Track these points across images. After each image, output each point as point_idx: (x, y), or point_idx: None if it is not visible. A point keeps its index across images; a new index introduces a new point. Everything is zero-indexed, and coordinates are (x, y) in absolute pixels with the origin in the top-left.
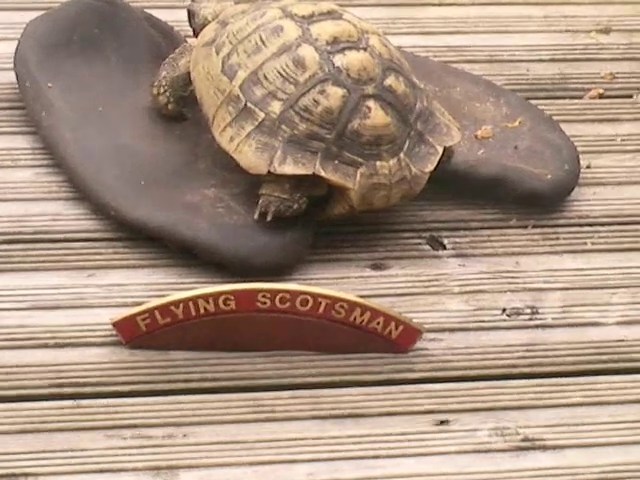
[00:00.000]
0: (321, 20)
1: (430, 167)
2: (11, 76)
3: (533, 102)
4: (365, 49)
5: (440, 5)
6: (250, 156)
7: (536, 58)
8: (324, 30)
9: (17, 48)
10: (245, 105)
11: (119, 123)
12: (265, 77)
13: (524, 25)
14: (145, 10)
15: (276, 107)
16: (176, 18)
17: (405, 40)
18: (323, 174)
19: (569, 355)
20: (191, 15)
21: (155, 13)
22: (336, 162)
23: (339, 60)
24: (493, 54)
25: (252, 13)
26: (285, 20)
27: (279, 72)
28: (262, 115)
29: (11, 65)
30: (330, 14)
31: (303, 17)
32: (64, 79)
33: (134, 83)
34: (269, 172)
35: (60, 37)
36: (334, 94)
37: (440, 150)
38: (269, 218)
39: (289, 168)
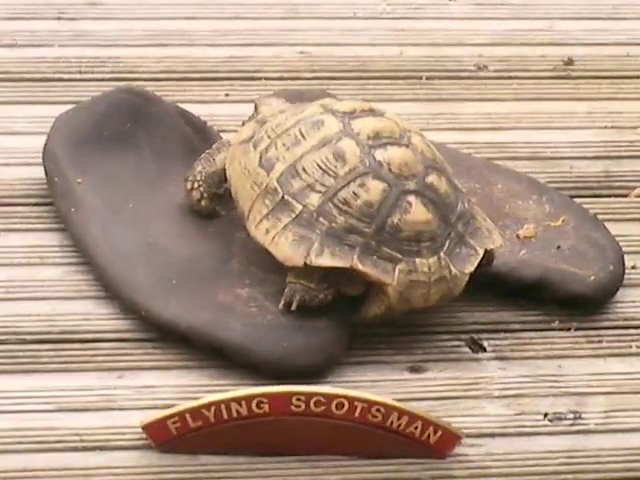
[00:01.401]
0: (363, 116)
1: (470, 268)
2: (40, 171)
3: (577, 200)
4: (407, 145)
5: (481, 100)
6: (286, 248)
7: (580, 155)
8: (365, 125)
9: (46, 143)
10: (282, 197)
11: (150, 220)
12: (304, 170)
13: (567, 121)
14: (178, 104)
15: (314, 199)
16: (209, 113)
17: (446, 136)
18: (361, 268)
19: (613, 462)
20: (255, 108)
21: (188, 107)
22: (374, 257)
23: (380, 154)
24: (536, 151)
25: (292, 110)
26: (326, 115)
27: (318, 165)
28: (300, 207)
29: (40, 160)
30: (372, 111)
31: (344, 113)
32: (94, 174)
33: (166, 179)
34: (305, 264)
35: (90, 131)
36: (374, 188)
37: (481, 252)
38: (294, 307)
39: (326, 260)
